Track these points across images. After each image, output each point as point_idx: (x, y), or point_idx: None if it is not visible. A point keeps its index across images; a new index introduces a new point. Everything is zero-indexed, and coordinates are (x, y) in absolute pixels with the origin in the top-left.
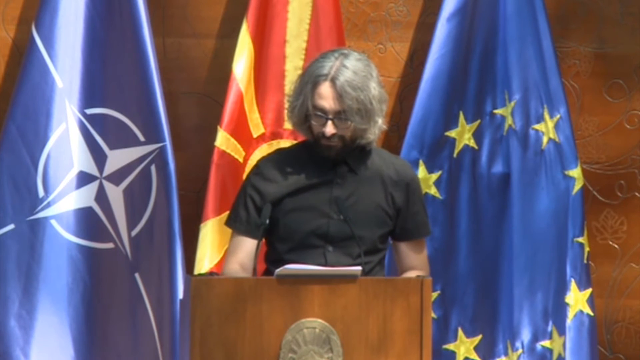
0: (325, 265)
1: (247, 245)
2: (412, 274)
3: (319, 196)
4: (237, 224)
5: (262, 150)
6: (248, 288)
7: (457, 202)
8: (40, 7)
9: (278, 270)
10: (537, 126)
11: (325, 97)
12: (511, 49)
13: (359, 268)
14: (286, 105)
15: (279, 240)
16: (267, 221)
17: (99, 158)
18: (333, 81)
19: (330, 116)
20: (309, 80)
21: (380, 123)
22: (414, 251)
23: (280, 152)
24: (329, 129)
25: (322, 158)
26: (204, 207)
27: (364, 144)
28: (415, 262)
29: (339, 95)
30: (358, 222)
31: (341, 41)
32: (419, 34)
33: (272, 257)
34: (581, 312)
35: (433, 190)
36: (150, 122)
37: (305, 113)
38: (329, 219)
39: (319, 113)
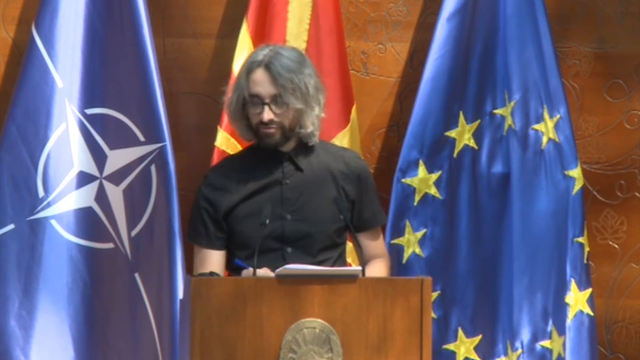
0: None
1: (213, 258)
2: (377, 262)
3: (270, 198)
4: (198, 239)
5: None
6: (248, 288)
7: (457, 202)
8: (40, 7)
9: (278, 270)
10: (536, 126)
11: (260, 82)
12: (511, 49)
13: (359, 268)
14: (225, 103)
15: (238, 248)
16: (267, 221)
17: (99, 158)
18: (267, 66)
19: (267, 101)
20: (244, 70)
21: (318, 112)
22: (373, 240)
23: (228, 158)
24: (266, 114)
25: (269, 159)
26: None
27: (303, 134)
28: (376, 250)
29: (274, 78)
30: (312, 220)
31: (341, 41)
32: (419, 34)
33: (233, 265)
34: (581, 312)
35: (433, 190)
36: (150, 122)
37: (243, 104)
38: (282, 221)
39: (255, 100)
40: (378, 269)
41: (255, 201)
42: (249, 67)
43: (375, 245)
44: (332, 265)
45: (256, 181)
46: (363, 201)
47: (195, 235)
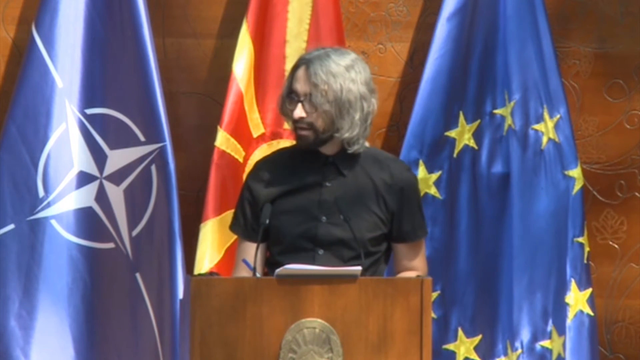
0: None
1: (251, 250)
2: (409, 274)
3: (308, 198)
4: (237, 228)
5: (262, 150)
6: (248, 288)
7: (457, 202)
8: (40, 7)
9: (278, 270)
10: (536, 126)
11: (299, 79)
12: (511, 49)
13: (359, 268)
14: None
15: (273, 243)
16: (267, 221)
17: (99, 158)
18: (308, 65)
19: (301, 98)
20: (293, 66)
21: (357, 119)
22: (412, 253)
23: (278, 152)
24: (298, 111)
25: (314, 160)
26: (204, 207)
27: (342, 139)
28: (412, 263)
29: (309, 77)
30: (346, 225)
31: (341, 41)
32: (419, 34)
33: (269, 260)
34: (581, 312)
35: (433, 190)
36: (150, 122)
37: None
38: (317, 222)
39: (293, 96)
40: None
41: (293, 199)
42: (296, 64)
43: (413, 259)
44: (364, 274)
45: (298, 179)
46: (403, 213)
47: (235, 224)
